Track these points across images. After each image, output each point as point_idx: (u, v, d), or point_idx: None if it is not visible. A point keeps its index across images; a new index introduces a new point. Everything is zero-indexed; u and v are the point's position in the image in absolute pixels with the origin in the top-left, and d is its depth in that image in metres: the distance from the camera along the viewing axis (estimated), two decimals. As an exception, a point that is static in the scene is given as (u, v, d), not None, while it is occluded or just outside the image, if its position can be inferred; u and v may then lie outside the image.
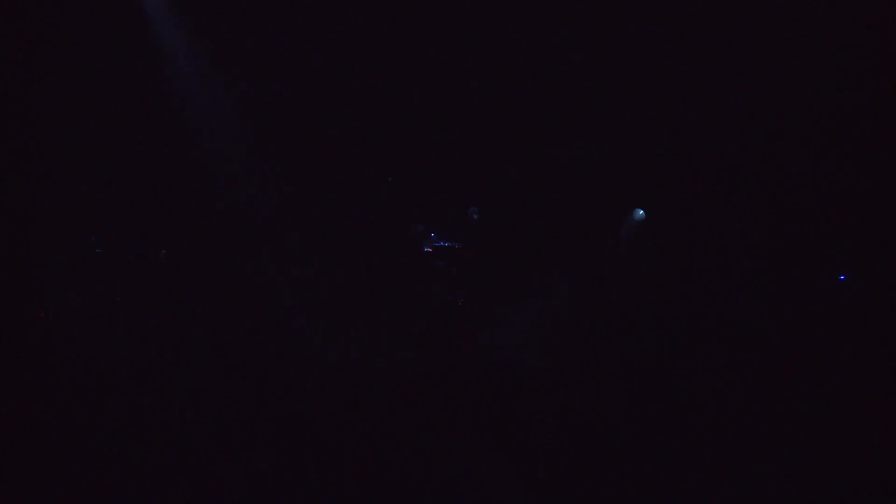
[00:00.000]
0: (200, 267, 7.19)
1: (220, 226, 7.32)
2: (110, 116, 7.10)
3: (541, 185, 7.38)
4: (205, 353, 6.33)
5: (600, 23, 7.05)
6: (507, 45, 7.24)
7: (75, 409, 5.35)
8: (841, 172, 6.33)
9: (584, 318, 6.72)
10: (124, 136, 7.14)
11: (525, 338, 6.51)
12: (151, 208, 7.23)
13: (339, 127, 7.46)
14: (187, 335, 6.59)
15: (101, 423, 5.18)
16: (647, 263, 6.88)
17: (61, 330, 6.42)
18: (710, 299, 6.45)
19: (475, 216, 7.55)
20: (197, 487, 4.57)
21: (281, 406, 5.55)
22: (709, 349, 6.08)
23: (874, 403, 5.29)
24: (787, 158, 6.53)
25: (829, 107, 6.33)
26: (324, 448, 4.97)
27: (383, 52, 7.37)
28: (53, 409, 5.32)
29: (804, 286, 6.35)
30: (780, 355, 5.90)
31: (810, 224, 6.45)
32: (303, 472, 4.73)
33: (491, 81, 7.38)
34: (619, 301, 6.73)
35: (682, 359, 6.02)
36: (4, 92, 6.50)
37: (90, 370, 5.98)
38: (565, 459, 4.87)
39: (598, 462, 4.85)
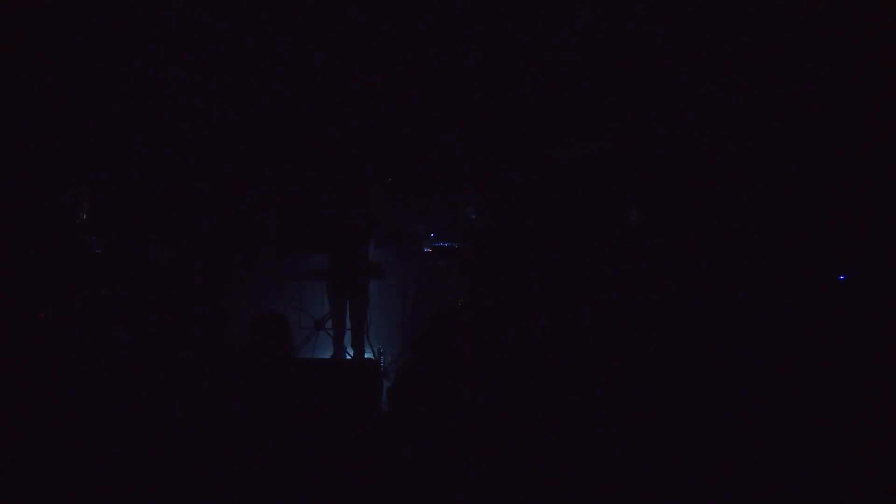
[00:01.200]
0: (200, 267, 7.19)
1: (221, 226, 7.32)
2: (110, 116, 7.10)
3: (541, 185, 7.38)
4: (205, 353, 6.33)
5: (600, 23, 7.05)
6: (507, 45, 7.24)
7: (75, 409, 5.35)
8: (841, 172, 6.34)
9: (585, 318, 6.72)
10: (124, 136, 7.14)
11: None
12: (151, 208, 7.22)
13: (339, 127, 7.46)
14: (187, 335, 6.59)
15: (101, 423, 5.17)
16: (647, 263, 6.88)
17: (61, 330, 6.41)
18: (709, 299, 6.46)
19: (473, 216, 7.55)
20: (197, 487, 4.58)
21: (280, 406, 5.55)
22: (709, 349, 6.08)
23: (874, 403, 5.29)
24: (787, 158, 6.54)
25: (829, 107, 6.34)
26: (323, 448, 4.97)
27: (383, 51, 7.37)
28: (53, 409, 5.32)
29: (804, 286, 6.35)
30: (779, 355, 5.90)
31: (810, 224, 6.45)
32: (302, 473, 4.73)
33: (491, 81, 7.38)
34: (619, 301, 6.73)
35: (682, 359, 6.03)
36: (4, 92, 6.50)
37: (90, 370, 5.98)
38: (566, 460, 4.87)
39: (599, 462, 4.85)
